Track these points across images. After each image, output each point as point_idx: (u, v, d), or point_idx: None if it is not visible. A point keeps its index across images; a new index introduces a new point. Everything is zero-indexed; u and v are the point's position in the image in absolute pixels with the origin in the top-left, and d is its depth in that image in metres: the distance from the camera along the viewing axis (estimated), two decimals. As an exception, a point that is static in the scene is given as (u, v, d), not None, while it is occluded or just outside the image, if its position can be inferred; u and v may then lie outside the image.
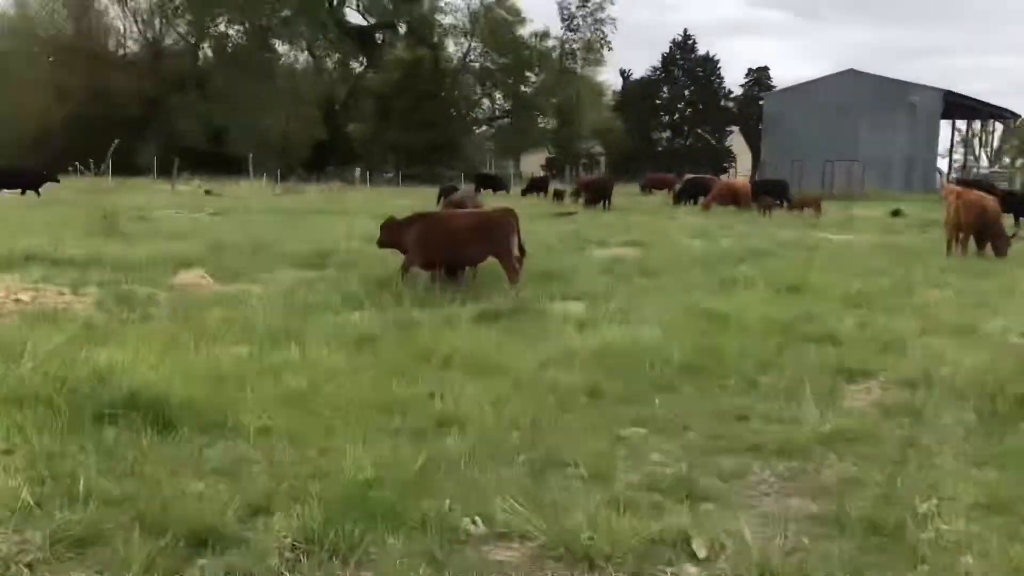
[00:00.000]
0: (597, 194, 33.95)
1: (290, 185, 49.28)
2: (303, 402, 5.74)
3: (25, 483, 4.16)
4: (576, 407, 6.13)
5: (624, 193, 49.35)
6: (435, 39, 66.51)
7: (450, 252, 11.18)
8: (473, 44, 73.04)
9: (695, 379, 7.00)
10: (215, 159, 59.06)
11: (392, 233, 11.24)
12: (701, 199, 35.23)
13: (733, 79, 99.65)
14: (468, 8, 71.31)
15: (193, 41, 71.23)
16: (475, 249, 11.07)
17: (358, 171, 56.57)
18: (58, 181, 31.94)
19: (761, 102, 73.10)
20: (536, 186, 43.43)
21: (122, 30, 72.12)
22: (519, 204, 36.05)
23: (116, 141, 34.59)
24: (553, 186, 42.69)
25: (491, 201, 37.84)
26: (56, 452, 4.53)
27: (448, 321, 8.67)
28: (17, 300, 7.78)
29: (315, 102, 66.80)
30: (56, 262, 10.93)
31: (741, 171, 73.13)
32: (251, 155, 51.81)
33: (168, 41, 71.71)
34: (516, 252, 11.20)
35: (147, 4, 69.40)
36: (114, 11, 71.28)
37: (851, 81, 62.65)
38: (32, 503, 3.98)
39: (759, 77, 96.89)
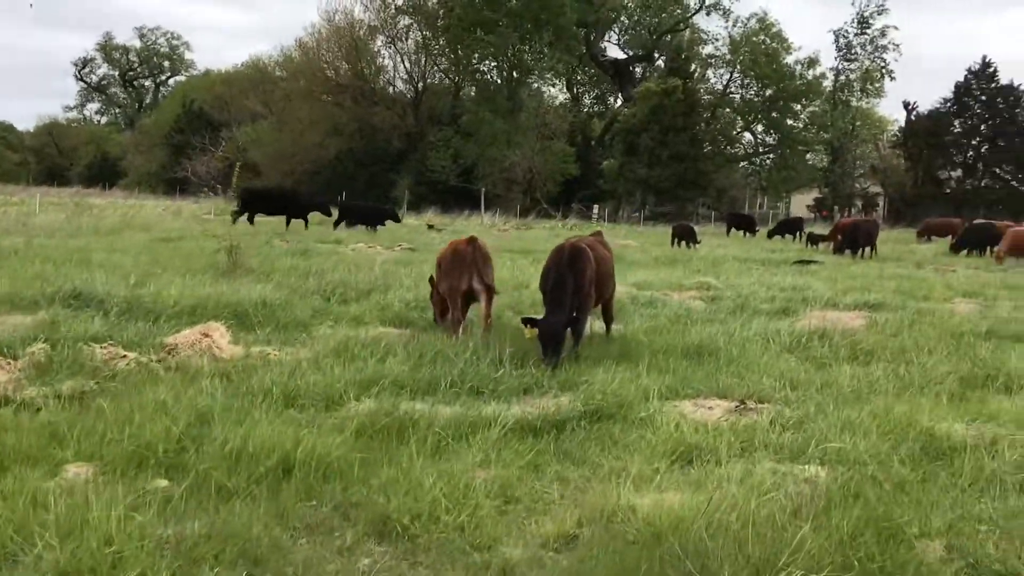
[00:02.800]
0: (855, 239, 28.83)
1: (527, 220, 47.88)
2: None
3: None
4: None
5: (897, 240, 42.97)
6: (692, 69, 62.76)
7: None
8: (734, 75, 68.44)
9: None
10: (463, 193, 59.23)
11: None
12: (991, 249, 29.14)
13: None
14: (729, 36, 67.06)
15: (453, 78, 72.62)
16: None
17: (596, 208, 54.23)
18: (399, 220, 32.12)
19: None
20: (787, 228, 38.62)
21: (391, 69, 75.32)
22: (756, 247, 31.84)
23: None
24: (810, 229, 37.79)
25: (737, 244, 33.93)
26: None
27: (465, 428, 5.58)
28: None
29: (568, 137, 65.54)
30: (90, 304, 9.08)
31: (1051, 217, 62.39)
32: (483, 189, 51.04)
33: (431, 79, 73.74)
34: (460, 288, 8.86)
35: (415, 44, 71.77)
36: (386, 52, 74.60)
37: None
38: None
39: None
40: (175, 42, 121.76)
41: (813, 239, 33.60)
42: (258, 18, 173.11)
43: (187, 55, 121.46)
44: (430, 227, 35.41)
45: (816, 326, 10.52)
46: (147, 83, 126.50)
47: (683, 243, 30.20)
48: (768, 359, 8.46)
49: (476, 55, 66.55)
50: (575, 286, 8.18)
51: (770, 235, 38.03)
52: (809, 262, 23.56)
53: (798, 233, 37.34)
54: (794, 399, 7.07)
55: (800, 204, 73.79)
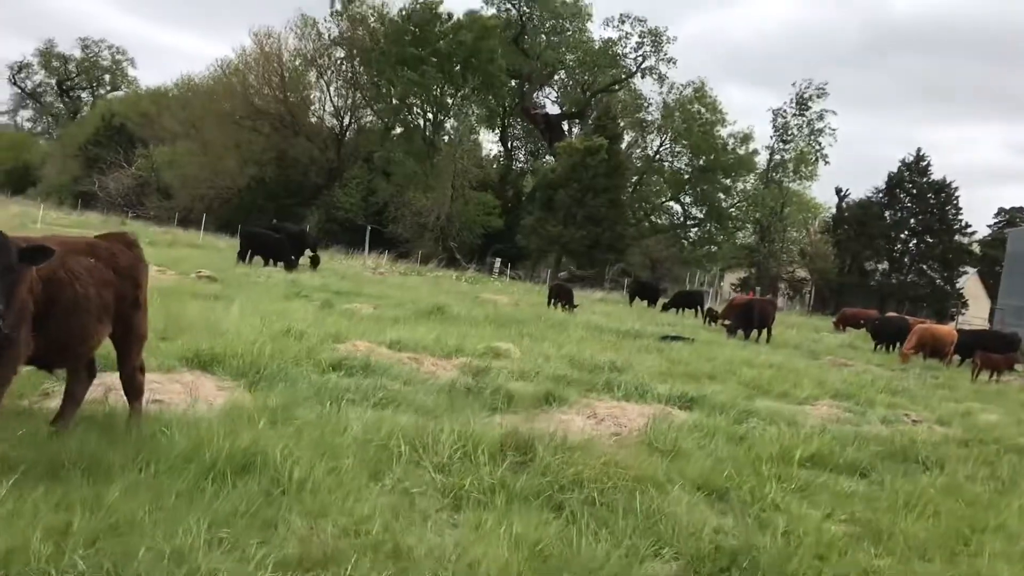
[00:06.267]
0: (748, 319, 25.72)
1: (423, 267, 44.53)
2: None
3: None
4: None
5: (811, 327, 40.17)
6: (620, 130, 60.21)
7: None
8: (665, 141, 66.18)
9: None
10: (374, 234, 55.64)
11: None
12: (899, 345, 26.54)
13: (980, 221, 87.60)
14: (663, 101, 64.94)
15: (382, 117, 69.39)
16: None
17: (498, 261, 51.00)
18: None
19: (1009, 241, 60.72)
20: (684, 301, 35.57)
21: (319, 101, 72.05)
22: (643, 318, 28.35)
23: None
24: (709, 305, 34.94)
25: (623, 314, 30.51)
26: None
27: None
28: None
29: (491, 188, 62.42)
30: None
31: (975, 318, 60.83)
32: (369, 228, 47.54)
33: (361, 117, 70.48)
34: None
35: (344, 78, 68.51)
36: (317, 85, 71.43)
37: None
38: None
39: (1012, 217, 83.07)
40: (119, 56, 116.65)
41: (712, 315, 30.63)
42: (219, 43, 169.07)
43: (131, 71, 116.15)
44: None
45: (536, 427, 7.02)
46: (84, 95, 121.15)
47: (559, 304, 27.00)
48: (361, 488, 4.87)
49: (399, 93, 63.43)
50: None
51: (665, 308, 34.89)
52: (678, 338, 20.31)
53: (697, 308, 34.37)
54: None
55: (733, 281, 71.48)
